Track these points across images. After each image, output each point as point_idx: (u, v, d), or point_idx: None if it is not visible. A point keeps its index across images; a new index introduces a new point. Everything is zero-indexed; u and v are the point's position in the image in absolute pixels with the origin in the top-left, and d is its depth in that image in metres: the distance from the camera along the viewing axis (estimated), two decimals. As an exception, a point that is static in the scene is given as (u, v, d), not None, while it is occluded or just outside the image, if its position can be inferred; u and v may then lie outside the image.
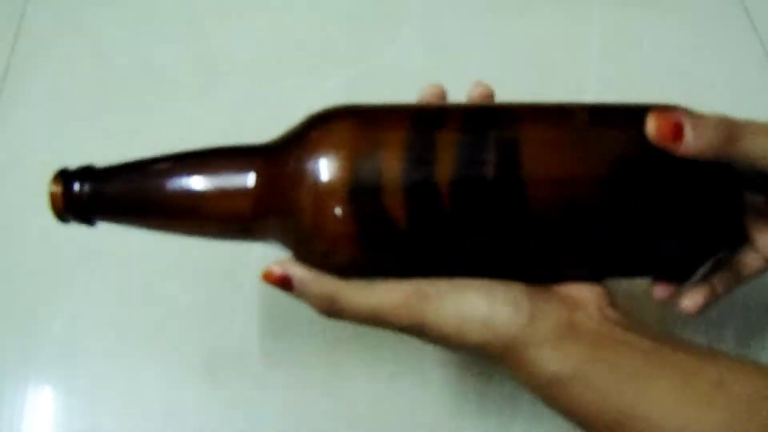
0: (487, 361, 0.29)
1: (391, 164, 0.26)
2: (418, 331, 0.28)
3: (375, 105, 0.29)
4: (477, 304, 0.27)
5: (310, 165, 0.26)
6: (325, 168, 0.26)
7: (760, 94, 0.51)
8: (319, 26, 0.54)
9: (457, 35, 0.54)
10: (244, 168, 0.27)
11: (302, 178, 0.26)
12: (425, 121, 0.27)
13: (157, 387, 0.39)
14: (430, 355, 0.40)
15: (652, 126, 0.26)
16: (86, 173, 0.28)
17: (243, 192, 0.27)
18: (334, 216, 0.26)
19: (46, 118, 0.49)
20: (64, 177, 0.28)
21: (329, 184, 0.26)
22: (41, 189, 0.46)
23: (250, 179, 0.27)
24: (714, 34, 0.55)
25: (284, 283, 0.28)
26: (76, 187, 0.27)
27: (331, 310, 0.28)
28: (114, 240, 0.44)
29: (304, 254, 0.28)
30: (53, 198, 0.28)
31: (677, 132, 0.26)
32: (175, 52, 0.53)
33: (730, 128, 0.26)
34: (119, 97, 0.50)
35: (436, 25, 0.55)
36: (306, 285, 0.28)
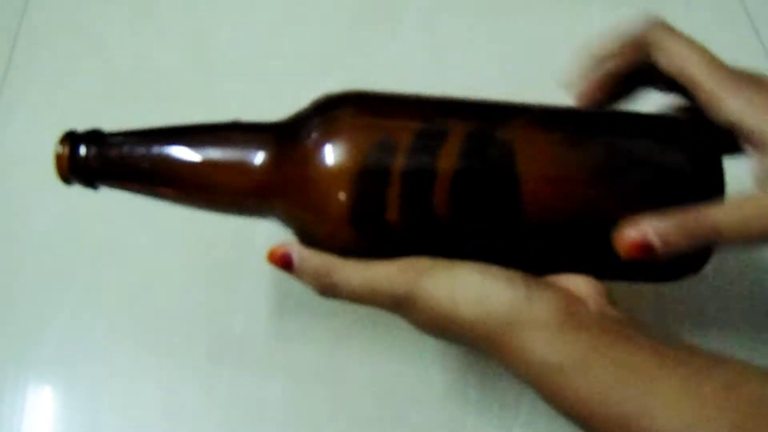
0: (475, 349, 0.27)
1: (396, 154, 0.26)
2: (411, 304, 0.27)
3: (387, 93, 0.29)
4: (472, 280, 0.26)
5: (317, 148, 0.27)
6: (332, 152, 0.26)
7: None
8: (320, 26, 0.54)
9: (458, 35, 0.54)
10: (253, 144, 0.28)
11: (309, 159, 0.27)
12: (435, 115, 0.28)
13: (157, 387, 0.39)
14: (431, 354, 0.40)
15: (621, 249, 0.26)
16: (93, 136, 0.28)
17: (250, 167, 0.27)
18: (337, 200, 0.26)
19: (46, 118, 0.49)
20: (71, 139, 0.28)
21: (334, 168, 0.26)
22: (41, 189, 0.46)
23: (258, 155, 0.27)
24: (714, 34, 0.54)
25: (285, 262, 0.29)
26: (82, 150, 0.27)
27: (326, 284, 0.28)
28: (114, 240, 0.44)
29: (306, 236, 0.29)
30: (58, 160, 0.28)
31: (647, 249, 0.26)
32: (175, 52, 0.53)
33: (692, 221, 0.26)
34: (119, 96, 0.50)
35: (436, 24, 0.55)
36: (304, 260, 0.28)
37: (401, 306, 0.28)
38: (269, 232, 0.43)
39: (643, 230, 0.26)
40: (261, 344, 0.40)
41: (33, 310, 0.41)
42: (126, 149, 0.28)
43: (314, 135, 0.27)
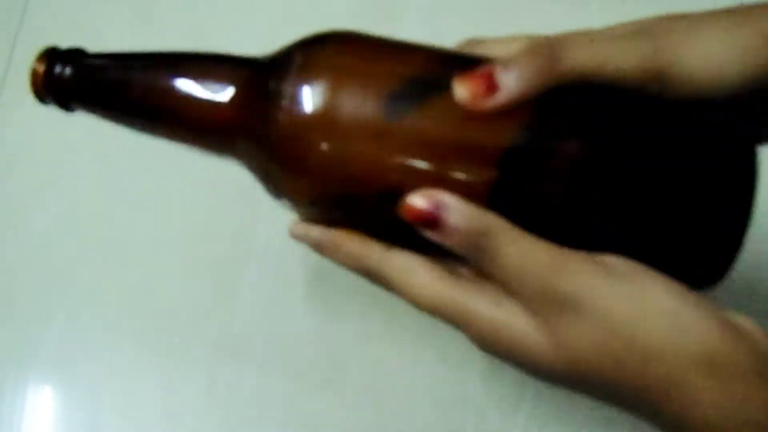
0: (624, 394, 0.21)
1: (382, 103, 0.23)
2: (572, 308, 0.21)
3: (375, 36, 0.26)
4: (667, 299, 0.21)
5: (290, 90, 0.24)
6: (308, 95, 0.23)
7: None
8: (320, 26, 0.54)
9: (458, 34, 0.54)
10: (226, 78, 0.26)
11: (281, 101, 0.24)
12: (432, 67, 0.24)
13: (157, 387, 0.39)
14: (431, 354, 0.40)
15: (460, 90, 0.22)
16: (72, 56, 0.27)
17: (218, 103, 0.26)
18: (312, 150, 0.23)
19: (46, 118, 0.49)
20: (49, 56, 0.26)
21: (309, 114, 0.23)
22: (41, 189, 0.46)
23: (228, 91, 0.26)
24: (714, 33, 0.55)
25: (435, 215, 0.22)
26: (58, 68, 0.26)
27: (482, 245, 0.22)
28: (114, 240, 0.44)
29: (271, 187, 0.26)
30: (34, 76, 0.26)
31: (490, 83, 0.22)
32: (175, 52, 0.53)
33: (547, 49, 0.22)
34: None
35: (436, 24, 0.55)
36: (461, 213, 0.22)
37: (550, 307, 0.22)
38: (270, 232, 0.43)
39: (487, 65, 0.22)
40: (261, 344, 0.40)
41: (33, 310, 0.41)
42: (103, 73, 0.27)
43: (291, 74, 0.24)
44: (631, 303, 0.21)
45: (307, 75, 0.24)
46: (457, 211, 0.22)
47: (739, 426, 0.20)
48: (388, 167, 0.23)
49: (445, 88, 0.23)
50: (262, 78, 0.26)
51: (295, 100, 0.24)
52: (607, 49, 0.23)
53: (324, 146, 0.23)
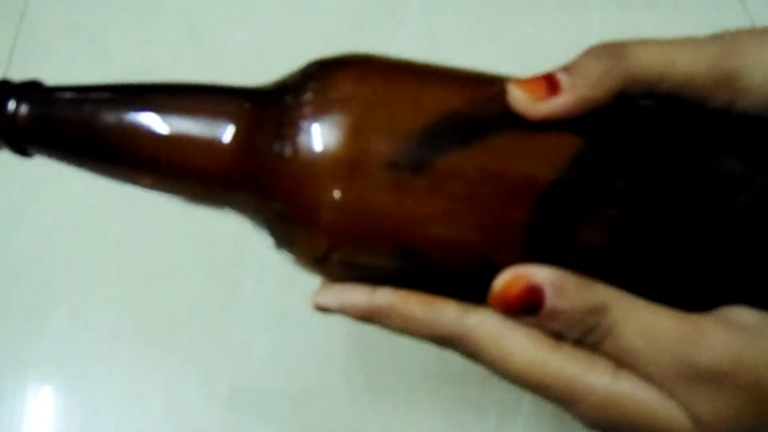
0: None
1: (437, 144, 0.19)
2: (712, 382, 0.19)
3: (403, 60, 0.23)
4: None
5: (304, 126, 0.20)
6: (325, 132, 0.19)
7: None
8: (319, 26, 0.54)
9: (457, 35, 0.54)
10: (220, 113, 0.21)
11: (293, 141, 0.20)
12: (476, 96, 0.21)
13: (157, 387, 0.39)
14: (431, 354, 0.40)
15: (516, 92, 0.20)
16: (28, 90, 0.21)
17: (212, 145, 0.21)
18: (332, 200, 0.19)
19: (46, 118, 0.49)
20: (1, 91, 0.21)
21: (328, 157, 0.19)
22: (41, 189, 0.46)
23: (223, 129, 0.21)
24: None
25: (531, 299, 0.19)
26: (11, 106, 0.21)
27: (593, 326, 0.19)
28: (114, 240, 0.44)
29: (282, 242, 0.22)
30: None
31: (551, 83, 0.20)
32: (175, 52, 0.53)
33: (612, 49, 0.21)
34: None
35: (436, 24, 0.55)
36: (567, 294, 0.19)
37: (688, 382, 0.19)
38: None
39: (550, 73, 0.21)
40: (262, 344, 0.40)
41: (33, 310, 0.41)
42: (65, 108, 0.21)
43: (305, 110, 0.20)
44: None
45: (322, 108, 0.20)
46: (558, 290, 0.19)
47: None
48: (417, 218, 0.19)
49: (490, 125, 0.20)
50: (265, 112, 0.21)
51: (307, 138, 0.19)
52: (676, 51, 0.21)
53: (341, 194, 0.19)
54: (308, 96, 0.20)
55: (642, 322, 0.19)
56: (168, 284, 0.42)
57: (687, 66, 0.20)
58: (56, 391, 0.39)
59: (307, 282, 0.43)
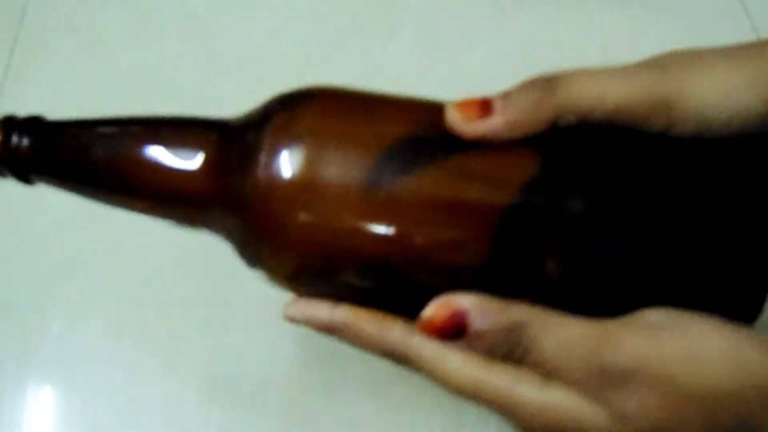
0: None
1: (364, 165, 0.21)
2: (623, 382, 0.20)
3: (359, 91, 0.24)
4: (717, 338, 0.20)
5: (267, 155, 0.22)
6: (286, 161, 0.21)
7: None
8: (319, 26, 0.54)
9: (457, 35, 0.54)
10: (195, 143, 0.23)
11: (254, 168, 0.22)
12: (425, 134, 0.22)
13: (157, 387, 0.39)
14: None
15: (453, 113, 0.21)
16: (30, 125, 0.24)
17: (187, 172, 0.23)
18: (291, 221, 0.22)
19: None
20: (6, 126, 0.24)
21: (287, 181, 0.21)
22: (41, 189, 0.46)
23: (198, 158, 0.23)
24: (714, 34, 0.54)
25: (456, 324, 0.21)
26: (15, 139, 0.24)
27: (517, 341, 0.21)
28: (114, 240, 0.44)
29: (249, 258, 0.25)
30: None
31: (484, 106, 0.21)
32: (176, 52, 0.53)
33: (545, 81, 0.21)
34: (119, 97, 0.50)
35: (436, 25, 0.55)
36: (486, 316, 0.21)
37: (602, 385, 0.20)
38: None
39: (483, 98, 0.22)
40: (261, 344, 0.40)
41: (33, 310, 0.41)
42: (61, 142, 0.25)
43: (267, 138, 0.22)
44: (685, 357, 0.20)
45: (285, 138, 0.22)
46: (480, 314, 0.21)
47: None
48: (376, 238, 0.21)
49: (442, 148, 0.21)
50: (236, 141, 0.23)
51: (272, 166, 0.22)
52: (608, 81, 0.22)
53: (304, 216, 0.21)
54: (269, 130, 0.22)
55: (557, 334, 0.21)
56: (168, 284, 0.42)
57: (618, 95, 0.21)
58: (56, 391, 0.39)
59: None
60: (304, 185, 0.21)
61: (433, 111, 0.23)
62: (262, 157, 0.22)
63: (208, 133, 0.24)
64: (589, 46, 0.53)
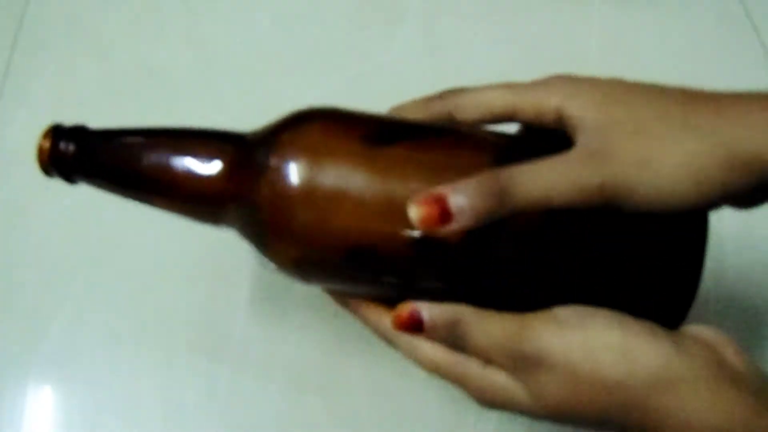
0: (606, 423, 0.24)
1: (347, 177, 0.26)
2: (534, 366, 0.24)
3: (353, 112, 0.29)
4: (611, 335, 0.23)
5: (273, 163, 0.27)
6: (287, 170, 0.27)
7: (760, 94, 0.51)
8: (319, 26, 0.54)
9: (457, 35, 0.54)
10: (213, 153, 0.28)
11: (264, 175, 0.27)
12: (387, 138, 0.27)
13: (157, 387, 0.39)
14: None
15: (415, 212, 0.23)
16: (76, 133, 0.29)
17: (210, 177, 0.28)
18: (292, 218, 0.27)
19: (46, 118, 0.49)
20: (54, 133, 0.29)
21: (288, 187, 0.27)
22: (41, 189, 0.46)
23: (215, 165, 0.28)
24: (714, 34, 0.55)
25: (414, 322, 0.26)
26: (62, 145, 0.28)
27: (456, 335, 0.26)
28: (114, 240, 0.44)
29: (261, 251, 0.29)
30: (40, 152, 0.29)
31: (444, 212, 0.23)
32: (175, 52, 0.53)
33: (497, 186, 0.23)
34: (119, 97, 0.50)
35: (436, 25, 0.55)
36: (434, 315, 0.26)
37: (520, 368, 0.25)
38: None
39: (443, 195, 0.23)
40: (261, 345, 0.40)
41: (33, 310, 0.41)
42: (102, 148, 0.29)
43: (273, 150, 0.27)
44: (582, 347, 0.23)
45: (290, 153, 0.27)
46: (428, 312, 0.26)
47: None
48: (357, 230, 0.26)
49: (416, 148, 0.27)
50: (250, 153, 0.28)
51: (278, 175, 0.27)
52: (556, 181, 0.23)
53: (305, 214, 0.27)
54: (277, 145, 0.27)
55: (485, 327, 0.25)
56: (168, 285, 0.42)
57: (567, 196, 0.23)
58: (56, 391, 0.39)
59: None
60: (302, 192, 0.26)
61: (401, 127, 0.29)
62: (272, 167, 0.27)
63: (228, 146, 0.29)
64: (589, 46, 0.53)
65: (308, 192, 0.26)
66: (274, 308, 0.42)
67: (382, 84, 0.50)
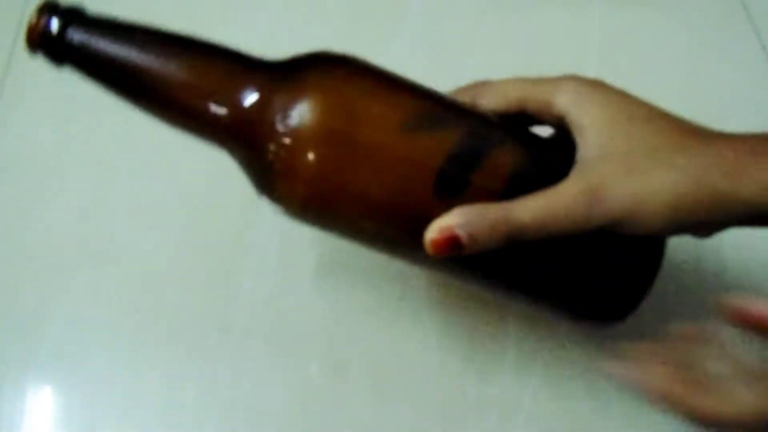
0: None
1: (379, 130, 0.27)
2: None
3: (382, 70, 0.29)
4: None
5: (297, 103, 0.26)
6: (308, 111, 0.26)
7: (760, 94, 0.51)
8: (320, 26, 0.54)
9: (457, 35, 0.54)
10: (235, 77, 0.27)
11: (288, 114, 0.26)
12: (430, 117, 0.28)
13: (157, 387, 0.39)
14: (431, 353, 0.40)
15: (428, 245, 0.27)
16: (71, 15, 0.26)
17: (226, 101, 0.26)
18: (306, 158, 0.26)
19: (46, 118, 0.49)
20: (47, 11, 0.26)
21: (310, 130, 0.26)
22: (41, 189, 0.46)
23: (237, 90, 0.27)
24: (714, 34, 0.54)
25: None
26: (54, 26, 0.26)
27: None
28: (114, 240, 0.44)
29: (261, 186, 0.28)
30: (29, 30, 0.26)
31: (454, 246, 0.27)
32: (175, 52, 0.53)
33: (502, 214, 0.27)
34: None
35: (436, 25, 0.55)
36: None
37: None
38: (270, 232, 0.43)
39: (450, 224, 0.27)
40: (261, 344, 0.40)
41: (33, 310, 0.41)
42: (102, 41, 0.27)
43: (298, 90, 0.26)
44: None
45: (313, 94, 0.26)
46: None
47: None
48: (380, 183, 0.27)
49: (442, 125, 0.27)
50: (275, 87, 0.27)
51: (299, 115, 0.26)
52: (555, 217, 0.27)
53: (315, 157, 0.26)
54: (302, 85, 0.27)
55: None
56: (168, 284, 0.42)
57: (557, 228, 0.27)
58: (56, 391, 0.39)
59: (306, 283, 0.43)
60: (320, 133, 0.26)
61: (433, 98, 0.30)
62: (296, 106, 0.26)
63: (249, 71, 0.27)
64: (589, 46, 0.53)
65: (324, 134, 0.26)
66: (274, 308, 0.42)
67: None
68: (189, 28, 0.56)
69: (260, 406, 0.39)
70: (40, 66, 0.52)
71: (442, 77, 0.51)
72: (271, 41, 0.54)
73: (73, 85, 0.51)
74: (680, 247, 0.43)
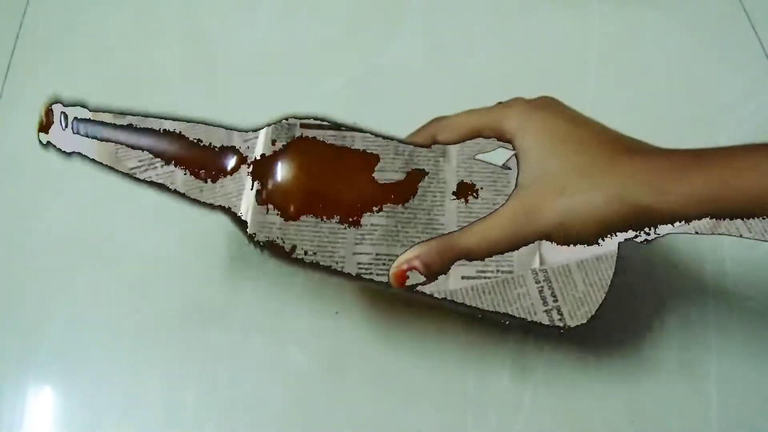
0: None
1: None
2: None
3: (328, 148, 0.35)
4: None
5: (270, 171, 0.35)
6: (279, 176, 0.35)
7: (760, 94, 0.51)
8: (319, 26, 0.54)
9: (458, 35, 0.54)
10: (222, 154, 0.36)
11: (263, 180, 0.35)
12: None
13: (157, 387, 0.39)
14: (430, 353, 0.40)
15: (391, 279, 0.33)
16: (73, 113, 0.34)
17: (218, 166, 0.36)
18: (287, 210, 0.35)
19: (46, 118, 0.49)
20: (55, 108, 0.33)
21: (283, 188, 0.35)
22: (41, 189, 0.46)
23: (228, 161, 0.36)
24: (714, 34, 0.55)
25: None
26: (63, 122, 0.33)
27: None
28: (114, 240, 0.44)
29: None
30: (40, 124, 0.33)
31: (404, 281, 0.32)
32: (175, 52, 0.53)
33: (448, 244, 0.32)
34: (119, 97, 0.50)
35: (436, 25, 0.55)
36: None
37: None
38: (269, 232, 0.43)
39: (411, 259, 0.32)
40: (261, 344, 0.40)
41: (33, 309, 0.41)
42: (101, 133, 0.34)
43: (271, 159, 0.36)
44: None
45: (280, 162, 0.35)
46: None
47: None
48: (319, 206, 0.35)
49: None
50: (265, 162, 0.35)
51: (270, 177, 0.35)
52: (498, 238, 0.32)
53: (293, 208, 0.34)
54: (273, 153, 0.35)
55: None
56: (168, 284, 0.42)
57: (507, 245, 0.32)
58: (56, 391, 0.39)
59: (308, 280, 0.43)
60: (291, 190, 0.35)
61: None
62: (267, 170, 0.35)
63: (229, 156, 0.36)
64: (589, 46, 0.53)
65: (290, 188, 0.35)
66: (274, 308, 0.42)
67: (382, 84, 0.50)
68: (189, 28, 0.56)
69: (260, 406, 0.39)
70: (40, 66, 0.52)
71: (442, 77, 0.51)
72: (271, 41, 0.54)
73: (73, 86, 0.51)
74: (679, 246, 0.43)
